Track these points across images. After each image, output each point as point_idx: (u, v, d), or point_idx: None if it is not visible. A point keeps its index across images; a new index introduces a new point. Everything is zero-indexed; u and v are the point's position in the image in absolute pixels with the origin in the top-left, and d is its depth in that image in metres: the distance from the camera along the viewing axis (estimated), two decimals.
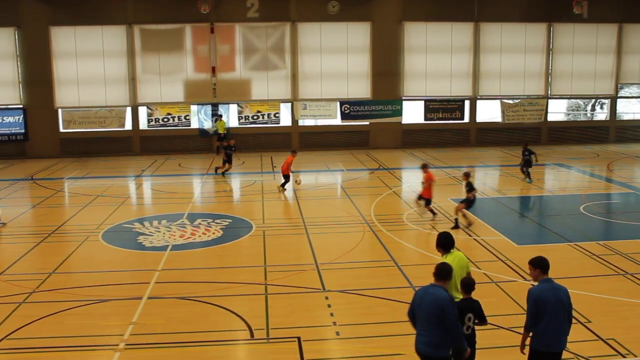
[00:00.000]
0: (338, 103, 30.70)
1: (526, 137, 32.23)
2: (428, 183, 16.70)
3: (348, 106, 30.75)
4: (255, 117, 30.48)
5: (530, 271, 7.28)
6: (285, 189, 20.99)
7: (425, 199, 16.84)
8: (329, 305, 10.87)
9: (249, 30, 29.79)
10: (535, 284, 7.24)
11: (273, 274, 12.57)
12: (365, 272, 12.90)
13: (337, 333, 9.77)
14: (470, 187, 16.22)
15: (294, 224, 16.76)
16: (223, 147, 24.34)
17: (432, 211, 16.93)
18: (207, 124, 30.26)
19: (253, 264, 13.25)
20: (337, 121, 31.08)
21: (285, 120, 30.99)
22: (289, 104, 30.84)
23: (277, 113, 30.64)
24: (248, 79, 30.32)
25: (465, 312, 7.42)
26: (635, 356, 9.01)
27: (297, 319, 10.28)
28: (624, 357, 9.00)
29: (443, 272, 7.03)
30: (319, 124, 32.06)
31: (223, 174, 23.87)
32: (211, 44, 29.69)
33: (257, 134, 30.61)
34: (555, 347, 7.02)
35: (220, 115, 30.21)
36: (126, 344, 9.40)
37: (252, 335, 9.74)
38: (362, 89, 30.93)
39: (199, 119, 30.33)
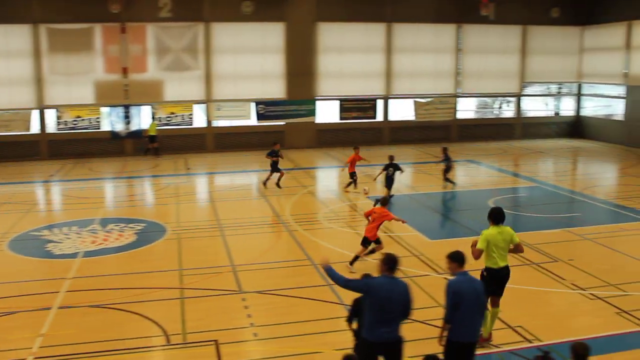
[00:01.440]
0: (253, 104, 30.57)
1: (437, 135, 33.25)
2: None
3: (263, 106, 30.67)
4: (168, 119, 29.94)
5: (447, 264, 7.52)
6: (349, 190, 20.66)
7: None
8: (246, 307, 10.82)
9: (161, 30, 29.21)
10: (452, 277, 7.48)
11: (189, 277, 12.41)
12: (282, 272, 12.92)
13: (255, 334, 9.75)
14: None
15: (210, 226, 16.57)
16: (269, 153, 21.54)
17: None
18: (119, 126, 29.48)
19: (168, 268, 13.01)
20: (252, 122, 30.94)
21: (200, 121, 30.59)
22: (203, 105, 30.45)
23: (191, 114, 30.21)
24: (161, 80, 29.72)
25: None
26: (541, 341, 9.42)
27: (214, 322, 10.18)
28: (531, 342, 9.40)
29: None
30: (234, 124, 31.81)
31: (279, 185, 21.31)
32: (122, 44, 28.93)
33: (171, 136, 30.03)
34: (470, 338, 7.30)
35: (153, 118, 29.54)
36: (35, 357, 9.05)
37: (168, 340, 9.58)
38: (277, 90, 30.93)
39: (111, 121, 29.49)
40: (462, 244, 14.34)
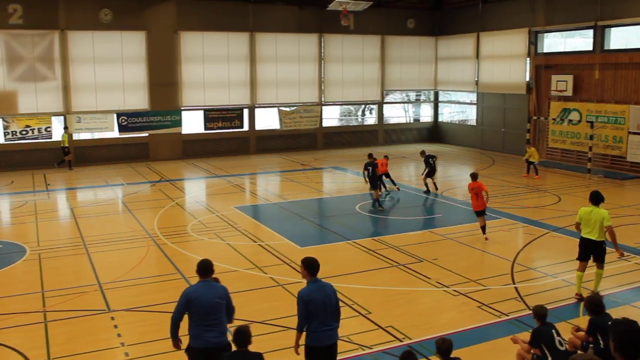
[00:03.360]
0: (115, 115, 29.59)
1: (303, 143, 33.78)
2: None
3: (125, 118, 29.76)
4: (24, 132, 28.25)
5: (301, 270, 7.63)
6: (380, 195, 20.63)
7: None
8: (115, 326, 10.47)
9: (12, 38, 27.54)
10: (303, 287, 7.59)
11: (52, 299, 11.81)
12: (152, 287, 12.61)
13: (127, 354, 9.45)
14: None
15: (73, 244, 15.84)
16: (367, 164, 20.37)
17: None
18: None
19: (29, 291, 12.30)
20: (115, 134, 29.93)
21: (58, 134, 29.13)
22: (62, 117, 29.05)
23: (49, 127, 28.70)
24: (14, 91, 27.99)
25: None
26: (411, 339, 9.83)
27: (81, 344, 9.76)
28: (402, 341, 9.78)
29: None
30: (96, 137, 30.66)
31: (379, 203, 20.13)
32: None
33: (27, 151, 28.35)
34: (328, 341, 7.47)
35: (66, 127, 27.77)
36: None
37: None
38: (139, 100, 30.12)
39: None
40: (331, 250, 14.76)
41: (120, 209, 20.23)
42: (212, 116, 31.69)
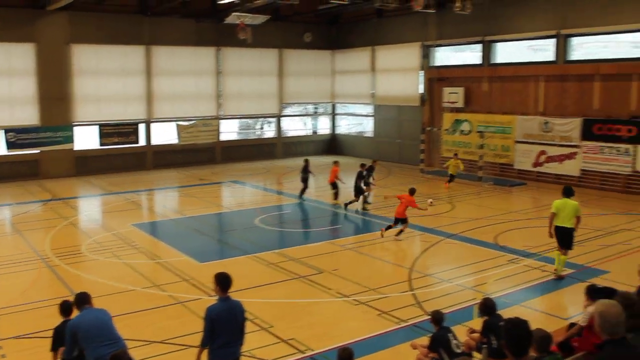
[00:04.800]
0: (2, 131, 28.15)
1: (202, 158, 33.39)
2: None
3: (14, 134, 28.36)
4: None
5: (213, 285, 7.55)
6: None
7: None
8: (3, 356, 9.92)
9: None
10: (212, 303, 7.51)
11: None
12: (45, 311, 11.97)
13: None
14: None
15: None
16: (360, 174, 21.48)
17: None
18: None
19: None
20: (2, 151, 28.46)
21: None
22: None
23: None
24: None
25: None
26: (313, 350, 9.88)
27: None
28: (304, 353, 9.81)
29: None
30: None
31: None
32: None
33: None
34: (232, 357, 7.43)
35: None
36: None
37: None
38: (29, 116, 28.76)
39: None
40: (232, 265, 14.63)
41: (9, 230, 19.23)
42: (108, 131, 30.74)
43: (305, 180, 23.16)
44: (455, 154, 26.50)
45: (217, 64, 33.71)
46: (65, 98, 29.47)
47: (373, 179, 22.42)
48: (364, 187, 21.37)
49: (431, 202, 19.23)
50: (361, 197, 21.31)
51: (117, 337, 7.39)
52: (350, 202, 21.24)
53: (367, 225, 19.80)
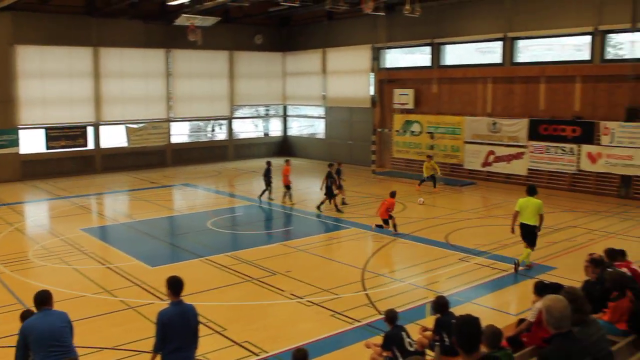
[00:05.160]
0: None
1: (152, 160, 32.96)
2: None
3: None
4: None
5: (166, 290, 7.45)
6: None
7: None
8: None
9: None
10: (164, 308, 7.42)
11: None
12: None
13: None
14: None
15: None
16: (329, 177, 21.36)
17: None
18: None
19: None
20: None
21: None
22: None
23: None
24: None
25: None
26: (267, 352, 9.85)
27: None
28: (258, 355, 9.77)
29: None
30: None
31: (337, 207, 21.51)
32: None
33: None
34: None
35: None
36: None
37: None
38: None
39: None
40: (184, 268, 14.47)
41: None
42: (54, 135, 30.06)
43: (269, 184, 23.20)
44: (429, 156, 25.68)
45: (167, 65, 33.35)
46: (9, 101, 28.70)
47: (342, 180, 22.40)
48: (337, 191, 21.47)
49: (422, 202, 20.44)
50: (333, 200, 21.33)
51: (69, 346, 7.10)
52: (322, 203, 21.25)
53: (322, 226, 19.85)
